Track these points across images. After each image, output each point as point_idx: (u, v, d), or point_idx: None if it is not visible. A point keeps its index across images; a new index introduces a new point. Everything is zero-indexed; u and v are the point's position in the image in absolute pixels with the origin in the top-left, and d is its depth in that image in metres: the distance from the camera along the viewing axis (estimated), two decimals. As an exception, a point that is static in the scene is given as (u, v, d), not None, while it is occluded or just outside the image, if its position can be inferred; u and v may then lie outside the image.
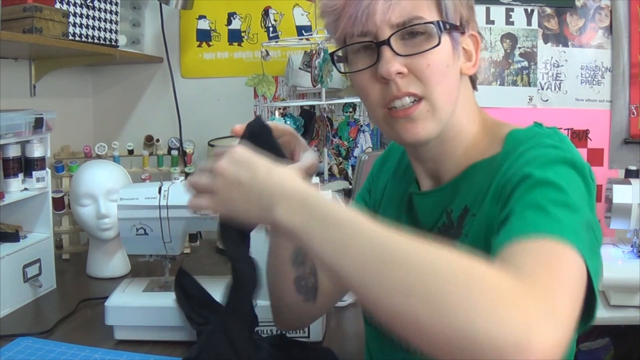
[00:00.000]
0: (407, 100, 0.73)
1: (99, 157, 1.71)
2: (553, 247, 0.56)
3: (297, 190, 0.60)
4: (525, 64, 1.83)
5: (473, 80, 0.82)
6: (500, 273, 0.51)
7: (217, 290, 1.14)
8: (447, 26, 0.72)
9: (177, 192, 1.14)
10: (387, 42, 0.71)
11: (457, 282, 0.49)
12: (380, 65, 0.72)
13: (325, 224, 0.57)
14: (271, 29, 1.92)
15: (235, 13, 1.93)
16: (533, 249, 0.56)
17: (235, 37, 1.95)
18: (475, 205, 0.74)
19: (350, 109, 1.84)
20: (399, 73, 0.71)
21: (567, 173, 0.66)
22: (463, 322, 0.48)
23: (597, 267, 0.61)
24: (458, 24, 0.74)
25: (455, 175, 0.79)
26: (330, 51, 0.83)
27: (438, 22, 0.71)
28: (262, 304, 1.12)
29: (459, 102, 0.77)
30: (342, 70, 0.80)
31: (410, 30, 0.71)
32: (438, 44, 0.71)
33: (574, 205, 0.61)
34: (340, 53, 0.78)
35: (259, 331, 1.10)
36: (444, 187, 0.81)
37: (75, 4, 1.48)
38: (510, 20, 1.82)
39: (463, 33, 0.76)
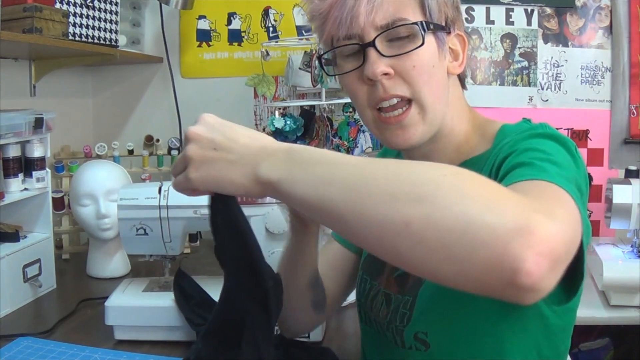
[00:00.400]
0: (395, 100, 0.73)
1: (99, 157, 1.71)
2: (547, 185, 0.55)
3: (281, 147, 0.58)
4: (525, 64, 1.83)
5: (462, 79, 0.83)
6: (491, 181, 0.49)
7: (216, 290, 1.14)
8: (431, 26, 0.73)
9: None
10: (372, 43, 0.72)
11: (446, 181, 0.48)
12: (366, 67, 0.73)
13: (309, 166, 0.55)
14: (271, 29, 1.92)
15: (235, 13, 1.93)
16: (527, 185, 0.56)
17: (235, 37, 1.95)
18: None
19: (350, 109, 1.84)
20: (385, 74, 0.72)
21: (550, 144, 0.66)
22: (457, 215, 0.45)
23: (586, 222, 0.60)
24: (443, 24, 0.75)
25: None
26: (318, 55, 0.83)
27: (421, 22, 0.72)
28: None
29: (449, 99, 0.78)
30: (331, 73, 0.81)
31: (394, 32, 0.72)
32: (422, 44, 0.72)
33: (559, 163, 0.61)
34: (328, 56, 0.79)
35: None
36: None
37: (75, 4, 1.48)
38: (510, 20, 1.82)
39: (449, 33, 0.77)
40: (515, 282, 0.44)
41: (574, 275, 0.57)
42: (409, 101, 0.74)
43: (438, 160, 0.81)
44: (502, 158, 0.68)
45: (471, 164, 0.77)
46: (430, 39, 0.73)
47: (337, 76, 0.80)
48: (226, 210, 0.65)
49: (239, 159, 0.58)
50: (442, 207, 0.46)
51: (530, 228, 0.44)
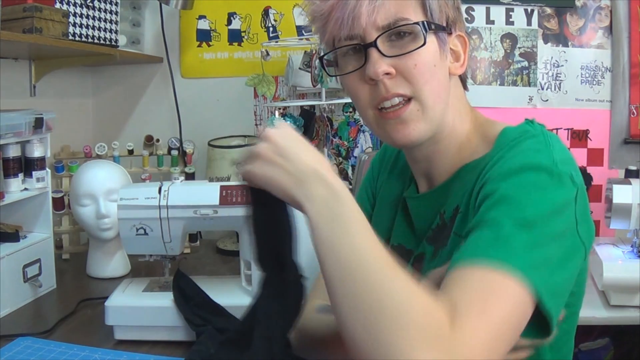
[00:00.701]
0: (396, 100, 0.73)
1: (99, 157, 1.71)
2: (494, 279, 0.59)
3: (328, 181, 0.64)
4: (525, 64, 1.83)
5: (463, 79, 0.83)
6: (434, 314, 0.55)
7: (215, 290, 1.15)
8: (433, 26, 0.73)
9: (177, 192, 1.14)
10: (373, 44, 0.72)
11: (392, 315, 0.55)
12: (367, 67, 0.73)
13: (332, 223, 0.61)
14: (271, 29, 1.92)
15: (235, 13, 1.93)
16: (474, 280, 0.59)
17: (235, 37, 1.95)
18: (463, 204, 0.75)
19: (350, 109, 1.84)
20: (387, 74, 0.72)
21: (535, 181, 0.65)
22: (383, 349, 0.54)
23: (560, 284, 0.63)
24: (444, 24, 0.75)
25: (448, 177, 0.80)
26: (319, 56, 0.84)
27: (423, 22, 0.72)
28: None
29: (449, 102, 0.78)
30: (332, 73, 0.81)
31: (396, 32, 0.72)
32: (424, 44, 0.72)
33: (533, 220, 0.62)
34: (330, 57, 0.79)
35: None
36: (436, 189, 0.81)
37: (75, 4, 1.48)
38: (510, 20, 1.82)
39: (450, 33, 0.77)
40: None
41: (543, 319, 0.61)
42: (410, 99, 0.74)
43: (440, 163, 0.80)
44: (484, 195, 0.67)
45: (470, 168, 0.77)
46: (431, 38, 0.73)
47: (338, 77, 0.80)
48: (272, 207, 0.71)
49: (293, 172, 0.65)
50: (378, 336, 0.54)
51: None
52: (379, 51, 0.72)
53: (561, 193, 0.66)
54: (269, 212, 0.72)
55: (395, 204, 0.90)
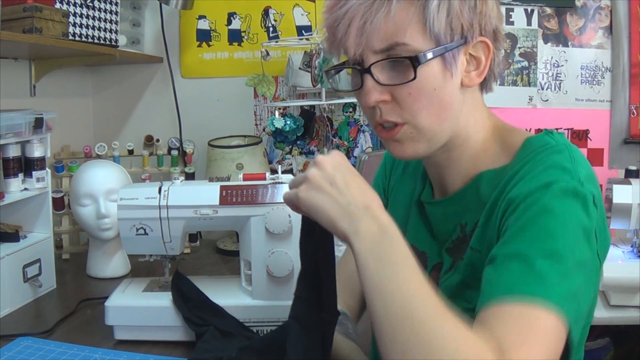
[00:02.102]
0: (390, 124, 0.73)
1: (99, 157, 1.71)
2: (535, 315, 0.59)
3: (380, 218, 0.64)
4: (525, 64, 1.83)
5: (487, 81, 0.79)
6: (483, 356, 0.56)
7: (215, 290, 1.14)
8: (429, 55, 0.68)
9: (177, 192, 1.14)
10: (368, 70, 0.70)
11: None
12: (361, 95, 0.72)
13: (381, 262, 0.62)
14: (271, 29, 1.92)
15: (235, 13, 1.93)
16: (516, 317, 0.60)
17: (235, 37, 1.95)
18: (482, 218, 0.73)
19: (350, 109, 1.84)
20: (382, 100, 0.71)
21: (562, 207, 0.65)
22: None
23: (583, 311, 0.64)
24: (456, 37, 0.70)
25: (463, 184, 0.78)
26: (325, 69, 0.85)
27: (417, 56, 0.68)
28: (258, 303, 1.12)
29: (463, 111, 0.75)
30: (341, 88, 0.81)
31: (391, 59, 0.70)
32: (414, 79, 0.69)
33: (562, 251, 0.62)
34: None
35: (259, 331, 1.10)
36: (452, 196, 0.80)
37: (75, 4, 1.48)
38: (510, 20, 1.82)
39: (466, 43, 0.71)
40: None
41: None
42: (403, 123, 0.73)
43: (454, 170, 0.79)
44: (509, 218, 0.67)
45: (488, 178, 0.75)
46: (432, 62, 0.69)
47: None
48: (311, 235, 0.72)
49: (344, 204, 0.65)
50: None
51: None
52: (374, 78, 0.70)
53: (586, 218, 0.65)
54: (314, 246, 0.73)
55: (408, 205, 0.89)
